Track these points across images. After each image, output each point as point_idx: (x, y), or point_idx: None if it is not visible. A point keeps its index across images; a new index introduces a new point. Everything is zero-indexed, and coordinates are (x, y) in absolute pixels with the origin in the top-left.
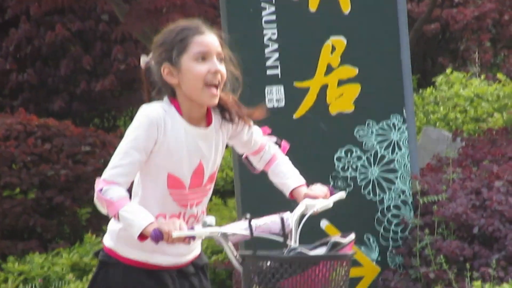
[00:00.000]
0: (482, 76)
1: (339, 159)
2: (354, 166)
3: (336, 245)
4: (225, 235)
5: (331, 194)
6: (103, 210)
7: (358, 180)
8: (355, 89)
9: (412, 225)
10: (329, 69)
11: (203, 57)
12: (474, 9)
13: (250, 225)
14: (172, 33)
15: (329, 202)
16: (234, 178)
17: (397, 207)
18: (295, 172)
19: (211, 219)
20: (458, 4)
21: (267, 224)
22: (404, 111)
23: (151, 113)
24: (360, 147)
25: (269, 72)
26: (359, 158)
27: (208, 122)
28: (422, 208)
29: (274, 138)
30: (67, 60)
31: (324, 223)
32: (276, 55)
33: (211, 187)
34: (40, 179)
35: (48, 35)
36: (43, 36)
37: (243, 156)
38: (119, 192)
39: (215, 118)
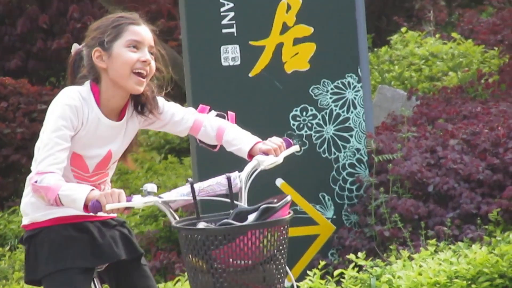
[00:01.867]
0: (437, 35)
1: (294, 117)
2: (309, 125)
3: (267, 210)
4: (166, 203)
5: (288, 145)
6: (43, 200)
7: (313, 139)
8: (310, 48)
9: (367, 184)
10: (285, 28)
11: (135, 45)
12: None
13: (192, 189)
14: (108, 20)
15: (278, 158)
16: (190, 136)
17: (352, 165)
18: (247, 134)
19: (152, 186)
20: None
21: (211, 186)
22: (359, 70)
23: (71, 102)
24: (315, 106)
25: (224, 30)
26: (314, 116)
27: (121, 117)
28: (377, 166)
29: (214, 113)
30: (23, 19)
31: (279, 182)
32: (232, 14)
33: (114, 165)
34: None
35: None
36: None
37: (198, 141)
38: (54, 177)
39: (129, 110)
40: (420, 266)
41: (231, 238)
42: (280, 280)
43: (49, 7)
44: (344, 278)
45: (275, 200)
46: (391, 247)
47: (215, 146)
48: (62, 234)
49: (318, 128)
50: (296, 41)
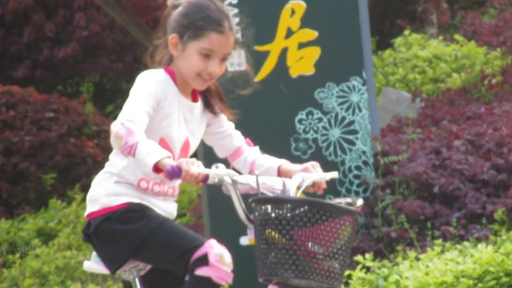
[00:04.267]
0: (440, 37)
1: (300, 121)
2: (315, 128)
3: (350, 205)
4: (235, 182)
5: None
6: (118, 142)
7: (320, 142)
8: (315, 52)
9: (374, 186)
10: (289, 33)
11: (208, 54)
12: None
13: (257, 179)
14: (198, 13)
15: (325, 175)
16: None
17: (358, 167)
18: (272, 157)
19: (221, 165)
20: None
21: (272, 183)
22: (363, 73)
23: (157, 75)
24: (321, 109)
25: None
26: (320, 120)
27: (195, 99)
28: (383, 168)
29: (257, 148)
30: (30, 28)
31: None
32: (237, 19)
33: None
34: (5, 146)
35: (11, 3)
36: (6, 4)
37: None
38: (139, 127)
39: (200, 99)
40: (427, 266)
41: (325, 218)
42: (340, 277)
43: (55, 15)
44: (352, 279)
45: (349, 200)
46: (398, 248)
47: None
48: (142, 206)
49: (324, 131)
50: (301, 46)
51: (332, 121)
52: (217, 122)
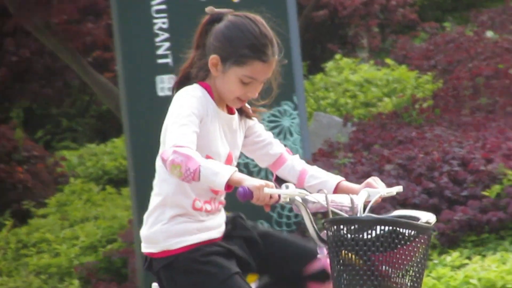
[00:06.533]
0: (371, 61)
1: None
2: None
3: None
4: (306, 201)
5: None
6: (175, 172)
7: (251, 166)
8: None
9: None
10: None
11: (249, 82)
12: None
13: (326, 198)
14: (242, 40)
15: (392, 190)
16: (128, 166)
17: None
18: (324, 171)
19: (291, 185)
20: None
21: (340, 200)
22: (294, 97)
23: (195, 92)
24: None
25: (160, 61)
26: None
27: (231, 111)
28: None
29: (297, 155)
30: None
31: None
32: (167, 44)
33: None
34: None
35: None
36: None
37: (273, 178)
38: (193, 150)
39: (235, 110)
40: None
41: (405, 242)
42: None
43: None
44: None
45: (422, 217)
46: None
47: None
48: (207, 253)
49: None
50: None
51: None
52: (255, 132)
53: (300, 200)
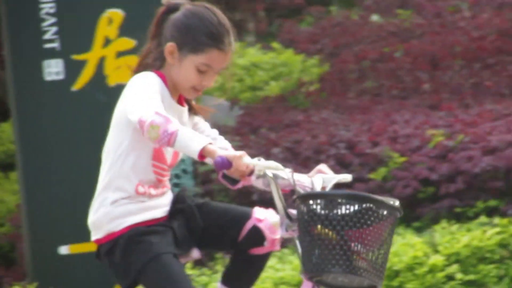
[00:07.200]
0: (258, 45)
1: None
2: None
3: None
4: (276, 176)
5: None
6: (155, 131)
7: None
8: (133, 61)
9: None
10: (107, 41)
11: (205, 70)
12: None
13: (292, 176)
14: (200, 28)
15: (345, 177)
16: (16, 151)
17: (177, 176)
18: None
19: (262, 159)
20: None
21: (303, 180)
22: None
23: (153, 78)
24: None
25: (47, 45)
26: None
27: (182, 104)
28: (203, 176)
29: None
30: None
31: None
32: (55, 28)
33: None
34: None
35: None
36: None
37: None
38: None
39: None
40: None
41: (379, 220)
42: (382, 274)
43: None
44: None
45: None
46: (217, 256)
47: (236, 183)
48: (142, 232)
49: None
50: (119, 54)
51: None
52: (199, 129)
53: (271, 175)
